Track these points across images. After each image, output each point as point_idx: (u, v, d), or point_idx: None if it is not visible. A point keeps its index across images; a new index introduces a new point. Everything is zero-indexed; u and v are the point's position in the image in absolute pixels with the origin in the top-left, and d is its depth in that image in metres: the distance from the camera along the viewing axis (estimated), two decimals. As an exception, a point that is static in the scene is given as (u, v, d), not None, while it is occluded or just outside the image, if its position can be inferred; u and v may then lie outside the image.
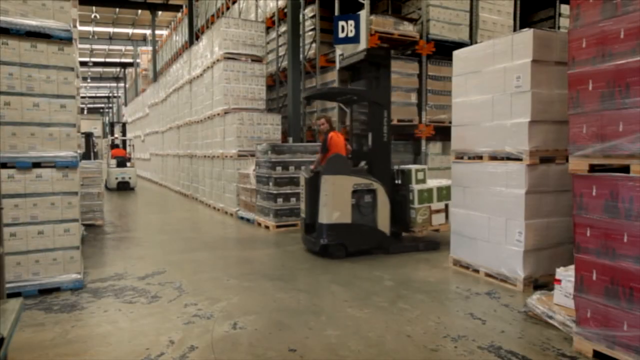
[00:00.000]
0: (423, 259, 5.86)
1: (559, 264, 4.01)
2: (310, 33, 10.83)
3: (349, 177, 5.89)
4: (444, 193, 6.59)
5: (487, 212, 4.90)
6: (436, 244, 6.36)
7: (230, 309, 4.10)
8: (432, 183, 6.70)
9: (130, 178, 15.43)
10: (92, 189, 8.46)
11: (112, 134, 21.27)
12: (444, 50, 8.87)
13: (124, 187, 15.30)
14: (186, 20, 19.32)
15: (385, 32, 8.39)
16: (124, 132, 20.13)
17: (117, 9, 25.33)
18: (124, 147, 17.95)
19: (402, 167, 6.63)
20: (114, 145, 17.50)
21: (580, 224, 3.17)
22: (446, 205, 6.58)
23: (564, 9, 11.10)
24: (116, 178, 15.29)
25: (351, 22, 8.32)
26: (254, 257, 6.17)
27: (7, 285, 3.67)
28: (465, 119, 5.22)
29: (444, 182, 6.71)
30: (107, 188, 15.03)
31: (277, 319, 3.85)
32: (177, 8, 23.14)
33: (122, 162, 15.80)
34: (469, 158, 5.19)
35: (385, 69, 6.09)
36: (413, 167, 6.64)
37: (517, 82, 4.53)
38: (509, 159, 4.66)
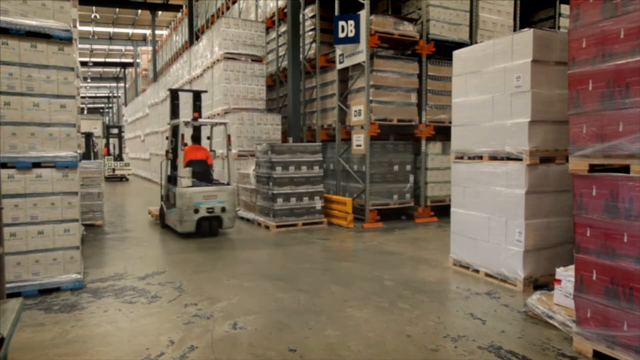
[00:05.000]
0: (423, 259, 5.86)
1: (559, 264, 4.02)
2: (310, 33, 10.82)
3: None
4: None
5: (487, 212, 4.90)
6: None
7: (230, 309, 4.10)
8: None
9: None
10: (92, 189, 8.47)
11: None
12: (444, 50, 8.86)
13: None
14: (186, 20, 19.31)
15: (385, 32, 8.38)
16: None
17: (117, 9, 25.33)
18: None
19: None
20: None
21: (580, 224, 3.17)
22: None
23: (564, 9, 11.08)
24: None
25: (351, 22, 8.32)
26: (254, 257, 6.17)
27: (7, 285, 3.69)
28: (465, 119, 5.22)
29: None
30: None
31: (277, 319, 3.85)
32: (177, 8, 23.13)
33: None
34: (469, 158, 5.19)
35: None
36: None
37: (517, 82, 4.53)
38: (509, 159, 4.66)
